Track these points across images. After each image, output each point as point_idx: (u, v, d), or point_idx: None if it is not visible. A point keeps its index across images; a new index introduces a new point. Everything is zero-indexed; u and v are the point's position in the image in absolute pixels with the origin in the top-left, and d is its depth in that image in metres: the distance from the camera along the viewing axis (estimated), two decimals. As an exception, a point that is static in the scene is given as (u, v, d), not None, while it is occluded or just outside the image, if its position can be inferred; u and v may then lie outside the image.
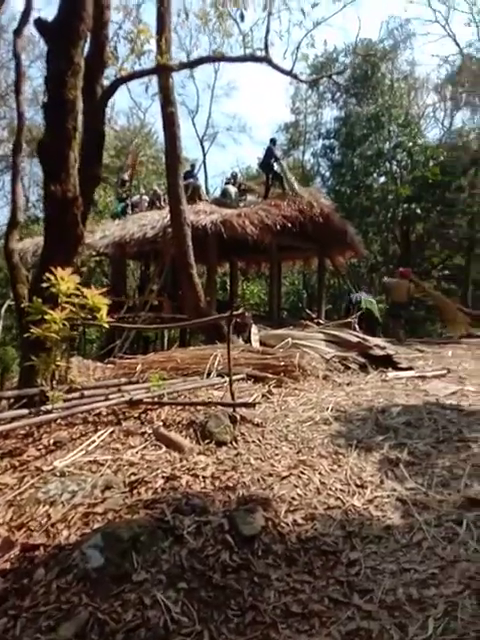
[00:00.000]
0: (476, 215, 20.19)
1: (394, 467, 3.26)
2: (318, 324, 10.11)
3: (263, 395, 4.83)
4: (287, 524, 2.71)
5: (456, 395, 5.00)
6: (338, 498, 2.94)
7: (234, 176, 12.97)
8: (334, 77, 15.43)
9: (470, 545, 2.36)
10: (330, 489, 3.04)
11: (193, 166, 13.83)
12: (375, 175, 20.70)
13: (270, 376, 5.34)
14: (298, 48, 6.19)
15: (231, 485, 3.04)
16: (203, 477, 3.13)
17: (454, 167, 19.82)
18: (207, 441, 3.59)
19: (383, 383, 5.61)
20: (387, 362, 6.52)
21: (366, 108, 19.88)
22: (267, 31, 5.59)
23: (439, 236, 21.06)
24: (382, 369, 6.29)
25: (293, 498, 2.92)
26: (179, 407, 4.19)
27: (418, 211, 19.14)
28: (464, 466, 3.16)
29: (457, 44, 23.26)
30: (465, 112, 24.95)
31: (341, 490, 3.03)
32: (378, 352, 6.68)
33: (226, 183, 12.68)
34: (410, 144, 19.21)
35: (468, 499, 2.74)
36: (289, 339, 6.93)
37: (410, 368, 6.38)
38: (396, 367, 6.39)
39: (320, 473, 3.23)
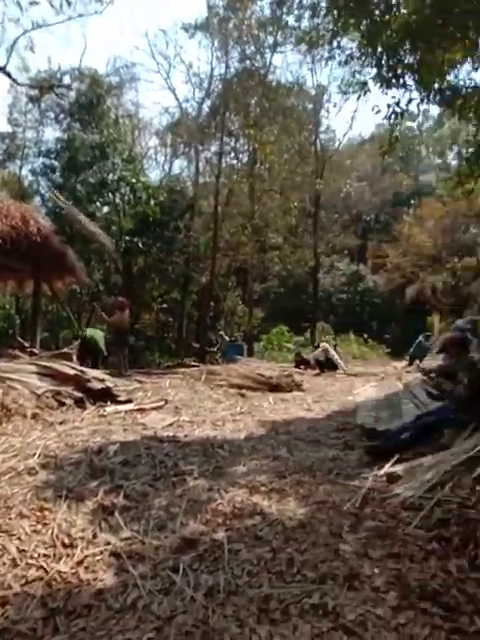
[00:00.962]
0: (191, 255, 22.31)
1: (109, 515, 2.93)
2: (32, 354, 9.09)
3: None
4: (-33, 620, 2.07)
5: (173, 426, 5.06)
6: (40, 567, 2.44)
7: None
8: (57, 93, 14.73)
9: (186, 594, 2.21)
10: (31, 557, 2.51)
11: None
12: (99, 204, 20.66)
13: (-38, 419, 4.37)
14: (13, 46, 5.51)
15: None
16: None
17: (173, 209, 21.57)
18: None
19: (101, 419, 5.28)
20: (106, 395, 6.21)
21: (91, 136, 19.76)
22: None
23: (159, 271, 22.39)
24: (101, 403, 5.96)
25: (-21, 581, 2.28)
26: None
27: (140, 245, 19.93)
28: (180, 503, 3.08)
29: (177, 98, 25.87)
30: (183, 161, 27.70)
31: (45, 555, 2.54)
32: (96, 385, 6.31)
33: None
34: (133, 180, 19.94)
35: (184, 540, 2.63)
36: (-8, 372, 5.92)
37: (129, 401, 6.24)
38: (115, 400, 6.15)
39: (19, 538, 2.66)
